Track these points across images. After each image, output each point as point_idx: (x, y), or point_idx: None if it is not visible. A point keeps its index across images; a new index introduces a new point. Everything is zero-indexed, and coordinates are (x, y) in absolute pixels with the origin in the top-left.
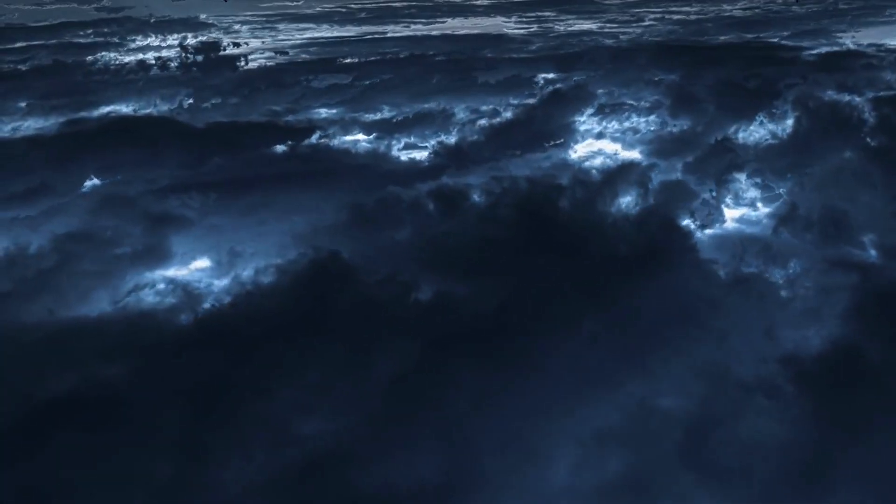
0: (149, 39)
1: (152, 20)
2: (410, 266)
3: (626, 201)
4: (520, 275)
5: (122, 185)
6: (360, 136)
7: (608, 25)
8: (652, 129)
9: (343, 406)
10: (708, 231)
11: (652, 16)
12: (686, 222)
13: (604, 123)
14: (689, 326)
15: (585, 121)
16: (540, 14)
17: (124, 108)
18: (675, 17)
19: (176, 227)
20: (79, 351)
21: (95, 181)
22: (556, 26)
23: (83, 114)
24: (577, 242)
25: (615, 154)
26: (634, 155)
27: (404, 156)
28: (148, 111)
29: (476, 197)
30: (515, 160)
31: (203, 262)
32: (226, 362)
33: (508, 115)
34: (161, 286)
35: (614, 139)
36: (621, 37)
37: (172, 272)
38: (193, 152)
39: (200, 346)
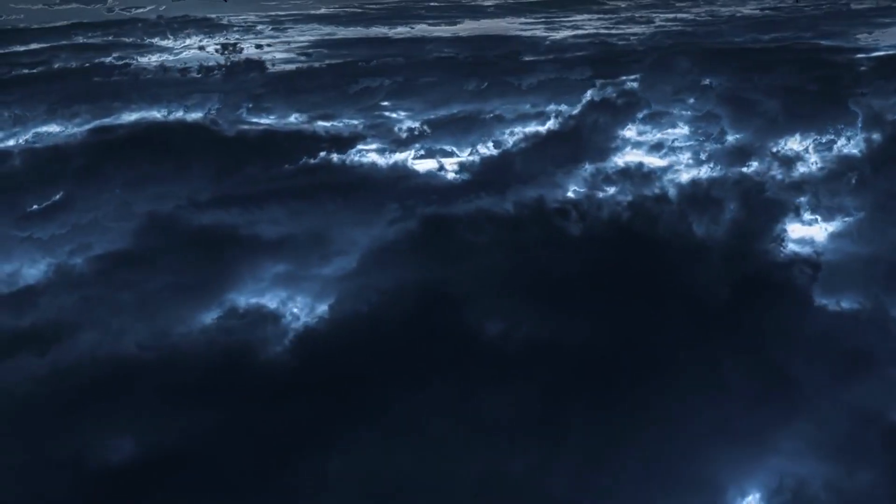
0: (167, 41)
1: (164, 21)
2: (497, 295)
3: (705, 221)
4: (617, 306)
5: (157, 198)
6: (398, 146)
7: (620, 26)
8: (711, 139)
9: (450, 462)
10: (801, 253)
11: (662, 17)
12: (773, 245)
13: (656, 133)
14: (834, 367)
15: (635, 130)
16: (547, 14)
17: (150, 114)
18: (685, 17)
19: (229, 246)
20: (138, 399)
21: (126, 194)
22: (564, 26)
23: (107, 120)
24: (671, 268)
25: (676, 168)
26: (702, 170)
27: (448, 167)
28: (176, 117)
29: (548, 217)
30: (570, 175)
31: (268, 287)
32: (315, 406)
33: (552, 123)
34: (226, 318)
35: (671, 151)
36: (631, 38)
37: (240, 300)
38: (228, 162)
39: (291, 388)
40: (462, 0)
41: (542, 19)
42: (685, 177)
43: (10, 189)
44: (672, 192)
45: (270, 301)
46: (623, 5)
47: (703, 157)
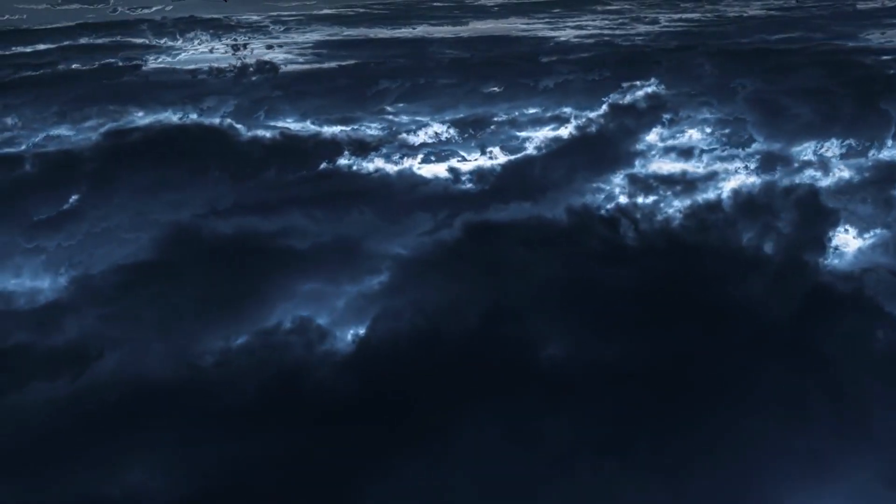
0: (175, 42)
1: (170, 22)
2: (551, 311)
3: (754, 231)
4: (678, 322)
5: (176, 206)
6: (419, 151)
7: (626, 26)
8: (741, 145)
9: (510, 488)
10: (852, 264)
11: (666, 17)
12: (824, 255)
13: (683, 138)
14: None
15: (661, 134)
16: (550, 14)
17: (163, 117)
18: (690, 17)
19: (255, 258)
20: (167, 426)
21: (143, 201)
22: (569, 27)
23: (120, 123)
24: (727, 281)
25: (712, 175)
26: (739, 177)
27: (474, 173)
28: (191, 120)
29: (592, 227)
30: (603, 181)
31: (301, 304)
32: (362, 433)
33: (574, 127)
34: (259, 338)
35: (702, 157)
36: (639, 39)
37: (272, 318)
38: (246, 168)
39: (334, 413)
40: (466, 0)
41: (546, 19)
42: (725, 184)
43: (22, 196)
44: (714, 199)
45: (305, 319)
46: (626, 6)
47: (737, 163)
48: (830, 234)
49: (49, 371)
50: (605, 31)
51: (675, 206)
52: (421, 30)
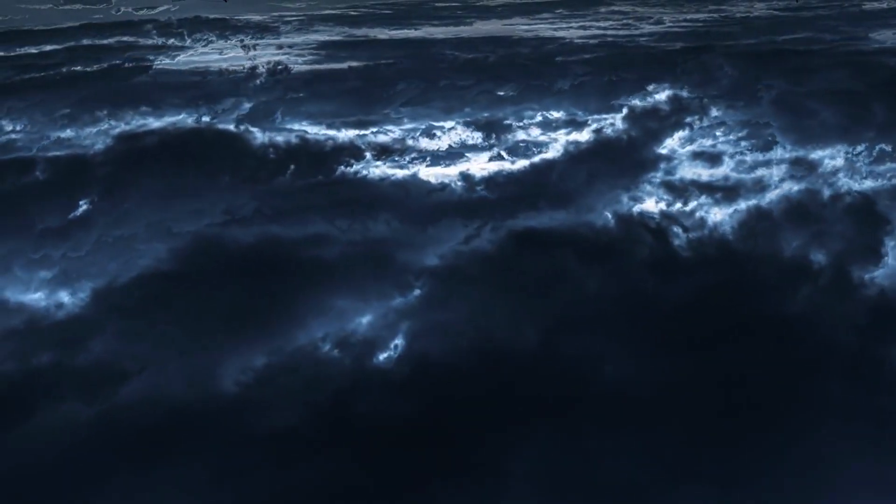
0: (184, 42)
1: (176, 22)
2: (601, 326)
3: (803, 240)
4: (738, 337)
5: (194, 214)
6: (440, 155)
7: (636, 26)
8: (773, 149)
9: None
10: None
11: (671, 17)
12: (878, 266)
13: (711, 142)
14: None
15: (687, 138)
16: (553, 14)
17: (177, 120)
18: (695, 18)
19: (281, 270)
20: (196, 452)
21: (160, 209)
22: (573, 27)
23: (131, 126)
24: (784, 293)
25: (747, 181)
26: (783, 185)
27: (500, 177)
28: (205, 123)
29: (635, 235)
30: (636, 188)
31: (335, 319)
32: (410, 458)
33: (593, 132)
34: (292, 357)
35: (732, 162)
36: (642, 40)
37: (304, 335)
38: (265, 173)
39: (377, 437)
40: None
41: (549, 20)
42: (768, 191)
43: (31, 203)
44: (758, 207)
45: (341, 335)
46: (628, 9)
47: (773, 169)
48: (885, 242)
49: (71, 393)
50: (614, 32)
51: (718, 214)
52: (426, 30)
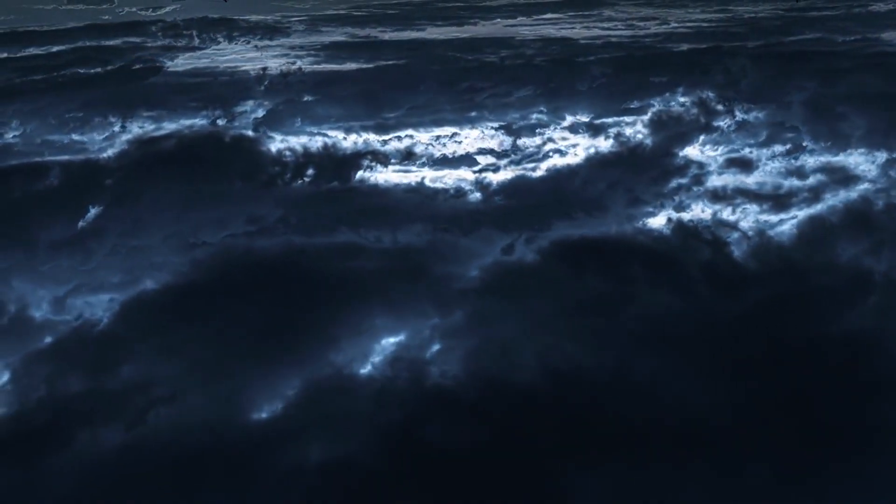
0: (193, 43)
1: (183, 23)
2: (666, 350)
3: (855, 252)
4: (808, 362)
5: (216, 224)
6: (456, 161)
7: (635, 28)
8: (808, 154)
9: None
10: None
11: (676, 18)
12: None
13: (746, 149)
14: None
15: (717, 143)
16: (555, 14)
17: (191, 124)
18: (697, 18)
19: (312, 284)
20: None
21: (179, 217)
22: (577, 27)
23: (145, 130)
24: (851, 308)
25: (789, 189)
26: (833, 192)
27: (516, 187)
28: (221, 126)
29: (688, 246)
30: (680, 196)
31: (374, 340)
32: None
33: (619, 136)
34: (332, 382)
35: (767, 169)
36: (645, 40)
37: (342, 357)
38: (286, 179)
39: (434, 469)
40: (471, 0)
41: (551, 20)
42: (813, 199)
43: (44, 210)
44: (805, 215)
45: (381, 359)
46: (630, 11)
47: (810, 175)
48: None
49: (102, 421)
50: (630, 33)
51: (769, 222)
52: (434, 31)
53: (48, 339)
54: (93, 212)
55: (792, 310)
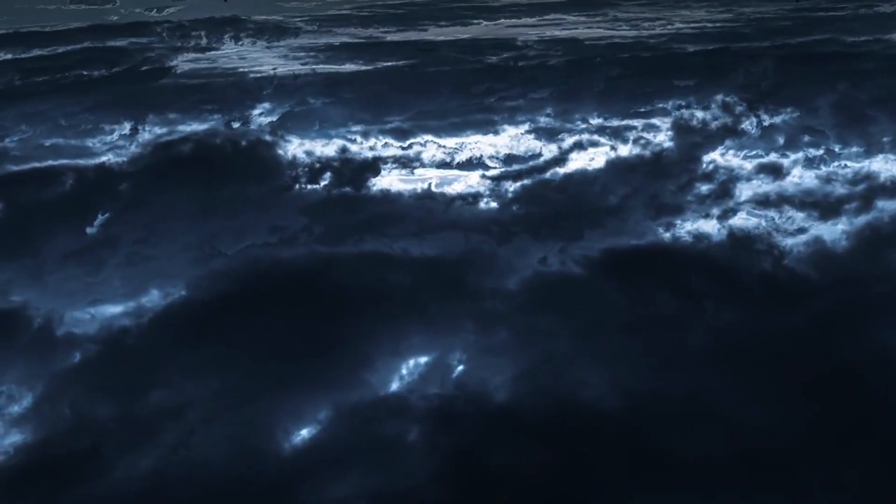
0: (202, 42)
1: (188, 24)
2: (723, 378)
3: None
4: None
5: (236, 233)
6: (477, 166)
7: (639, 28)
8: (839, 159)
9: None
10: None
11: (681, 19)
12: None
13: (773, 154)
14: None
15: (741, 147)
16: (556, 14)
17: (206, 127)
18: (702, 18)
19: (339, 298)
20: None
21: (196, 225)
22: (579, 27)
23: (156, 131)
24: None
25: (827, 198)
26: (875, 202)
27: (542, 193)
28: (237, 130)
29: (743, 259)
30: (715, 205)
31: (409, 360)
32: None
33: (635, 141)
34: (369, 410)
35: (799, 176)
36: (651, 41)
37: (377, 379)
38: (306, 186)
39: None
40: (474, 1)
41: (552, 20)
42: (862, 208)
43: (59, 217)
44: (858, 225)
45: (417, 379)
46: (631, 13)
47: (852, 184)
48: None
49: (133, 448)
50: (644, 34)
51: (821, 231)
52: (443, 31)
53: (71, 358)
54: (105, 219)
55: (855, 323)
